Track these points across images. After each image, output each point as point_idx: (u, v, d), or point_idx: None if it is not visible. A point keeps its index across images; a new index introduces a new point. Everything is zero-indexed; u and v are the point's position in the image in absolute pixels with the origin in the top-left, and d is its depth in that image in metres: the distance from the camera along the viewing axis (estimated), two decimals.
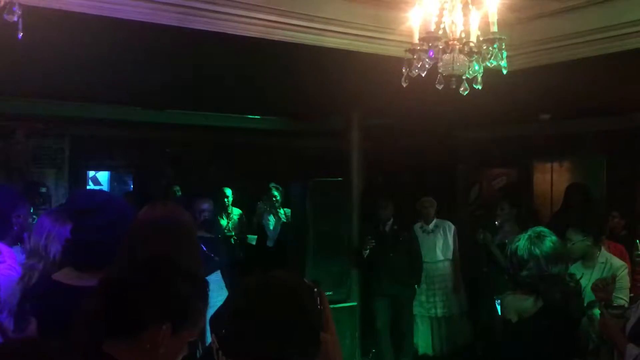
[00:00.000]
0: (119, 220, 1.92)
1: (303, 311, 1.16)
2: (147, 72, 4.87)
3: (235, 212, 7.27)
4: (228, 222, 7.06)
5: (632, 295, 4.09)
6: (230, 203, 7.16)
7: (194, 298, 1.40)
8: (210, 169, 9.02)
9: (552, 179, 7.93)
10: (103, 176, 9.33)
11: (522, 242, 2.96)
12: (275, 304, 1.14)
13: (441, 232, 6.28)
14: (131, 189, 9.27)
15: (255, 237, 7.08)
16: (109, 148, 8.82)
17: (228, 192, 7.16)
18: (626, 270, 3.90)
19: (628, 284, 3.86)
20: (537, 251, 2.88)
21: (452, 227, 6.33)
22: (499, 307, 3.23)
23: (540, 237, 2.94)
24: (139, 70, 4.74)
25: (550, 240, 2.92)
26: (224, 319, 1.15)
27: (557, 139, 7.68)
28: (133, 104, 7.18)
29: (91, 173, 9.21)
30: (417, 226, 6.30)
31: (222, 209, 7.05)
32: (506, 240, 5.37)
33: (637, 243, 4.03)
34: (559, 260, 2.93)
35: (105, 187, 9.23)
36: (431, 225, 6.29)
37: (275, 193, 7.32)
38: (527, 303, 2.89)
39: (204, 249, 4.21)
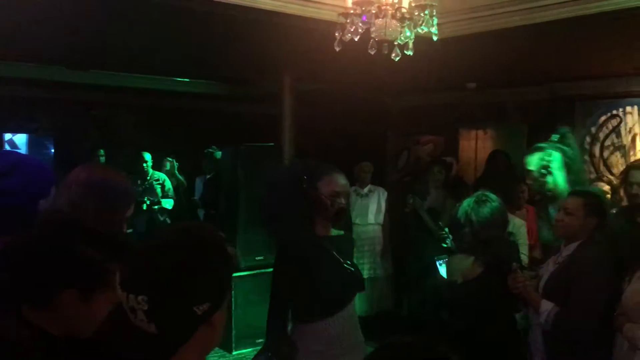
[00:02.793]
0: (30, 184, 1.82)
1: (208, 262, 1.17)
2: (71, 30, 4.63)
3: (156, 176, 7.10)
4: (143, 189, 6.92)
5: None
6: (149, 167, 7.00)
7: (107, 261, 1.38)
8: (137, 132, 8.76)
9: (476, 145, 8.23)
10: (21, 139, 8.87)
11: (463, 206, 3.07)
12: (176, 245, 1.16)
13: (375, 196, 6.39)
14: (52, 153, 8.88)
15: (171, 201, 6.93)
16: (29, 109, 8.37)
17: (147, 156, 6.97)
18: (524, 227, 4.22)
19: (527, 241, 4.18)
20: (474, 216, 2.99)
21: (385, 193, 6.46)
22: (440, 269, 3.35)
23: (482, 202, 3.05)
24: (62, 27, 4.50)
25: (490, 206, 3.03)
26: (129, 257, 1.19)
27: (482, 107, 7.94)
28: (56, 63, 6.83)
29: (7, 136, 8.74)
30: (352, 190, 6.38)
31: (140, 175, 6.89)
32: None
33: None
34: (495, 226, 3.05)
35: (23, 151, 8.78)
36: (365, 190, 6.40)
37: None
38: (468, 264, 3.01)
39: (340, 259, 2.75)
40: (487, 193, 3.12)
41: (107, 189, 1.73)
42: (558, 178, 3.73)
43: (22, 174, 1.82)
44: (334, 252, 2.80)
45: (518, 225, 4.26)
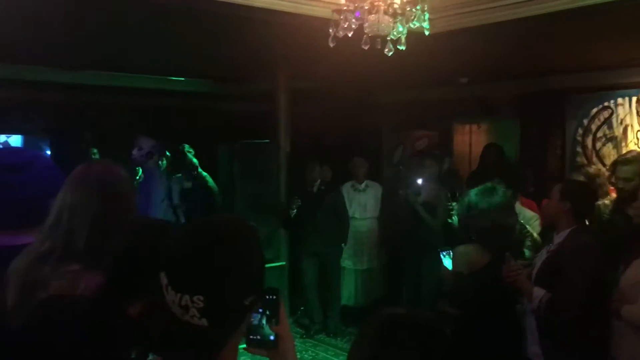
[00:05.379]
0: (47, 179, 1.88)
1: (252, 256, 1.21)
2: (63, 31, 4.65)
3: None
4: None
5: None
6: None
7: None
8: (131, 132, 8.76)
9: (470, 140, 8.28)
10: (16, 141, 8.87)
11: (473, 195, 3.11)
12: (222, 242, 1.18)
13: (371, 191, 6.57)
14: (47, 154, 8.87)
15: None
16: (23, 111, 8.38)
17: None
18: (538, 221, 4.22)
19: (536, 235, 4.18)
20: (486, 204, 3.04)
21: (380, 188, 6.66)
22: (444, 260, 3.38)
23: (491, 190, 3.10)
24: (54, 29, 4.52)
25: (500, 195, 3.09)
26: (174, 257, 1.18)
27: (475, 102, 7.99)
28: (49, 65, 6.84)
29: (2, 138, 8.73)
30: (349, 184, 6.56)
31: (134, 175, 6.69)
32: (439, 200, 5.63)
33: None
34: (506, 214, 3.11)
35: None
36: (362, 185, 6.56)
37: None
38: (475, 255, 3.05)
39: None
40: (495, 184, 3.18)
41: (106, 179, 1.78)
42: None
43: (37, 171, 1.89)
44: None
45: (528, 217, 4.28)
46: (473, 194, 3.15)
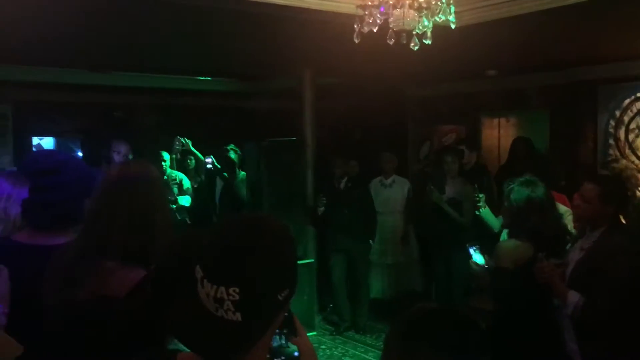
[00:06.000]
0: (79, 180, 1.92)
1: (285, 250, 1.22)
2: (92, 34, 4.73)
3: (173, 175, 6.98)
4: None
5: None
6: (167, 167, 6.91)
7: None
8: (160, 132, 8.87)
9: (499, 133, 8.18)
10: (48, 143, 9.05)
11: (520, 190, 3.04)
12: (257, 236, 1.19)
13: (399, 187, 6.63)
14: (78, 155, 9.02)
15: (188, 197, 6.85)
16: (54, 113, 8.55)
17: (166, 156, 6.94)
18: (571, 216, 4.14)
19: (572, 230, 4.10)
20: (535, 199, 2.98)
21: (408, 184, 6.70)
22: (474, 255, 3.30)
23: (535, 183, 3.04)
24: (83, 31, 4.60)
25: (542, 185, 3.03)
26: (210, 251, 1.18)
27: (503, 95, 7.89)
28: (79, 67, 6.97)
29: (35, 140, 8.92)
30: (377, 180, 6.66)
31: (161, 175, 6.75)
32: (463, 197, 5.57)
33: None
34: (552, 207, 3.06)
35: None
36: (389, 180, 6.63)
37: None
38: (523, 250, 2.99)
39: None
40: (528, 176, 3.11)
41: (142, 179, 1.79)
42: None
43: (70, 172, 1.93)
44: None
45: (562, 212, 4.19)
46: (521, 188, 3.05)
